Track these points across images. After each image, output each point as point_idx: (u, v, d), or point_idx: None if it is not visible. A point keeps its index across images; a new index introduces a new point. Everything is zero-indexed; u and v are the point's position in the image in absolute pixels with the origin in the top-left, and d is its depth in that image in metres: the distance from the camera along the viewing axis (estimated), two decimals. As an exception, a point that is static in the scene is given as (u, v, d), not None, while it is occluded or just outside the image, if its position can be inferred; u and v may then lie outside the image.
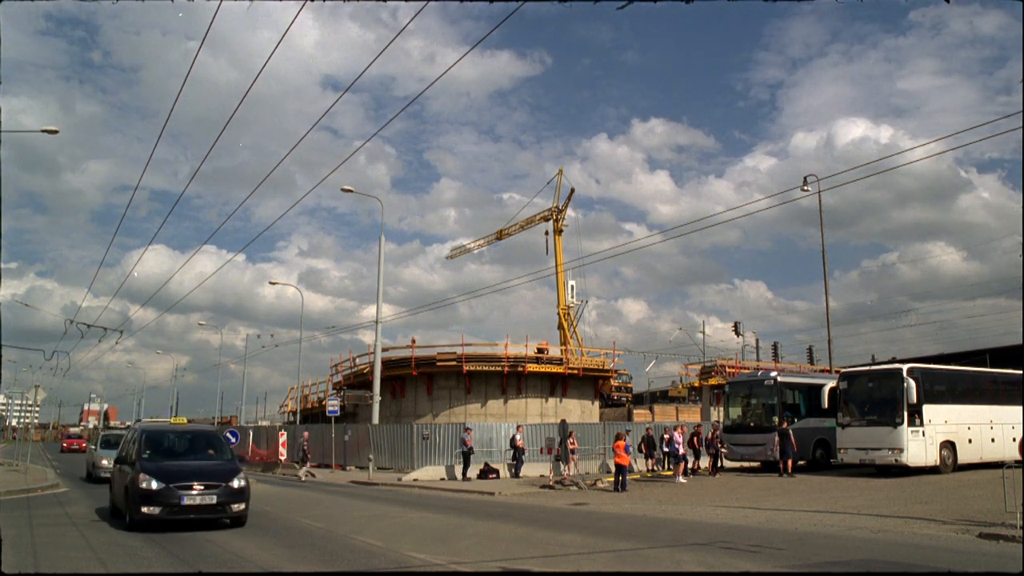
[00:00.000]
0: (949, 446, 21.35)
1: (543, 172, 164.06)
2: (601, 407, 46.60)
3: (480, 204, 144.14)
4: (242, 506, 12.64)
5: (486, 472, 25.39)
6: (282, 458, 32.48)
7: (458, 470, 25.59)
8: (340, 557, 9.68)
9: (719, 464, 25.50)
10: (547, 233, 55.07)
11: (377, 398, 33.11)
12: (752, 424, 25.33)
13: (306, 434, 30.79)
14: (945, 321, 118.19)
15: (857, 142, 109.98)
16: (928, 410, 20.90)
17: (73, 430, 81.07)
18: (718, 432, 25.87)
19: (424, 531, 12.59)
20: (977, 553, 9.55)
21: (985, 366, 29.26)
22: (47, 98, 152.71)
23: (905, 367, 21.34)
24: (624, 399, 54.27)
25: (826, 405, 23.60)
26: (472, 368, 38.85)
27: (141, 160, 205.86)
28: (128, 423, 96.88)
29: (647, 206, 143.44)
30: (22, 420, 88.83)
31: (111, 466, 23.13)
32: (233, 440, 24.12)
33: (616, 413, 48.98)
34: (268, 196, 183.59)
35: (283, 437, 33.61)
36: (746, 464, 26.12)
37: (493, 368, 38.99)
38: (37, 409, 56.76)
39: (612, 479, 21.16)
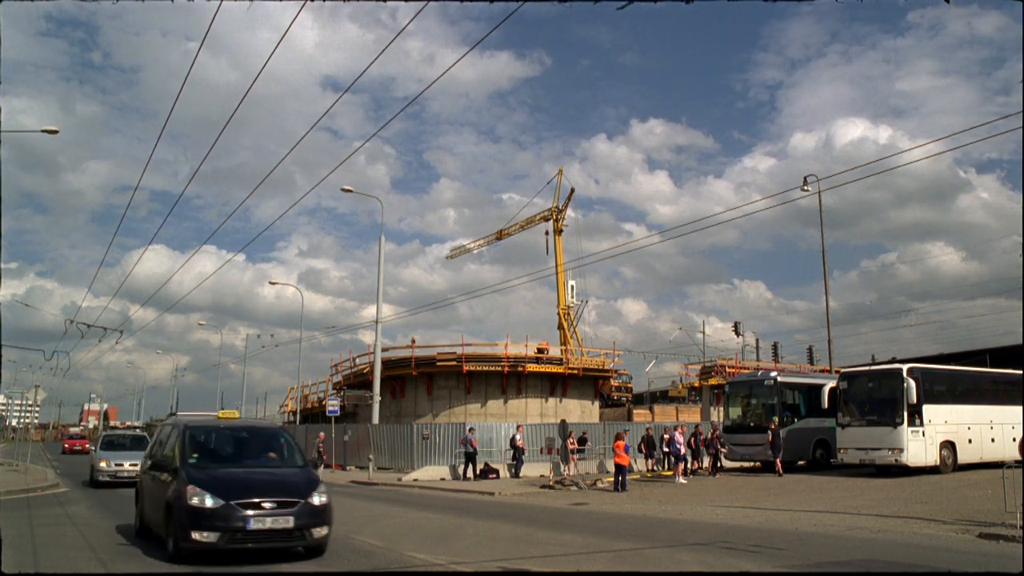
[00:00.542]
0: (949, 446, 21.36)
1: (543, 172, 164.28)
2: (601, 407, 46.57)
3: (480, 204, 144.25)
4: (324, 531, 9.59)
5: (486, 472, 25.45)
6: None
7: (461, 470, 25.68)
8: (340, 557, 9.66)
9: (719, 464, 25.54)
10: (547, 233, 54.98)
11: (377, 398, 33.15)
12: (752, 424, 25.34)
13: (321, 435, 30.81)
14: (945, 321, 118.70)
15: (856, 142, 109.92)
16: (928, 410, 20.92)
17: (74, 430, 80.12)
18: (718, 432, 25.92)
19: (424, 531, 12.59)
20: (977, 553, 9.56)
21: (985, 366, 29.25)
22: (47, 98, 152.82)
23: (905, 367, 21.36)
24: (624, 399, 54.25)
25: (826, 405, 23.62)
26: (472, 368, 38.83)
27: (141, 160, 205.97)
28: (128, 423, 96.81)
29: (646, 206, 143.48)
30: (22, 420, 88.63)
31: (110, 468, 22.64)
32: None
33: (616, 413, 48.94)
34: (268, 196, 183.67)
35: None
36: (746, 464, 26.14)
37: (493, 368, 38.97)
38: (37, 409, 56.33)
39: (612, 479, 21.19)
